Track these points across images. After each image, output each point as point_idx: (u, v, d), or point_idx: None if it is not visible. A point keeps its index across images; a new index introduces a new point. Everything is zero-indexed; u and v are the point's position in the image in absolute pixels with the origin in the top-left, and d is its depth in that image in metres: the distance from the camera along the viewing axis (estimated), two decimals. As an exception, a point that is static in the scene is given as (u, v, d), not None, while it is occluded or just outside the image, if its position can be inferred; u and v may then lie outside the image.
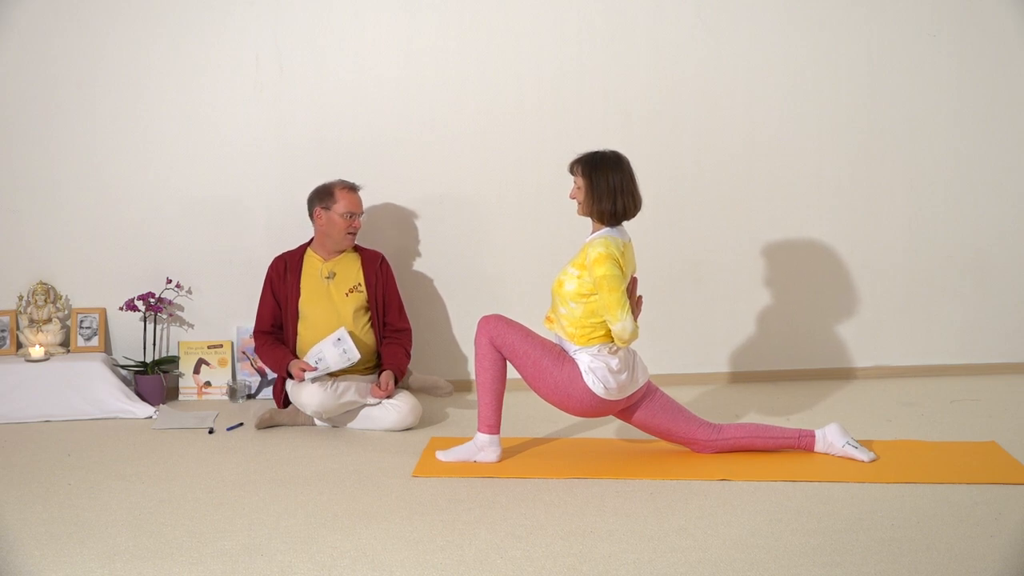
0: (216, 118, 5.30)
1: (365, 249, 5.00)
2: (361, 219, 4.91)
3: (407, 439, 4.58)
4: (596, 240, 4.05)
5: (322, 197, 4.86)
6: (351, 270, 4.92)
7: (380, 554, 3.33)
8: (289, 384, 4.80)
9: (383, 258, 4.99)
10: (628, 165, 4.09)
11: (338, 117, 5.31)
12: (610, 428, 4.66)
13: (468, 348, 5.46)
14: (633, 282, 4.14)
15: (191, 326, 5.41)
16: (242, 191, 5.34)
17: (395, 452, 4.38)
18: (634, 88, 5.35)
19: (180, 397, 5.34)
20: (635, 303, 4.14)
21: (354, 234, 4.89)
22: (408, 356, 4.91)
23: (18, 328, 5.28)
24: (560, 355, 4.11)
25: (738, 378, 5.52)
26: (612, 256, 3.98)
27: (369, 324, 4.89)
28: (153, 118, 5.29)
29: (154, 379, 5.20)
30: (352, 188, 4.88)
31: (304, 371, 4.63)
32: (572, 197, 4.14)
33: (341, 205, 4.82)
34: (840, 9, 5.35)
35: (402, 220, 5.39)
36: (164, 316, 5.37)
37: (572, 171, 4.14)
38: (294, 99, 5.30)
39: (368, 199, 5.28)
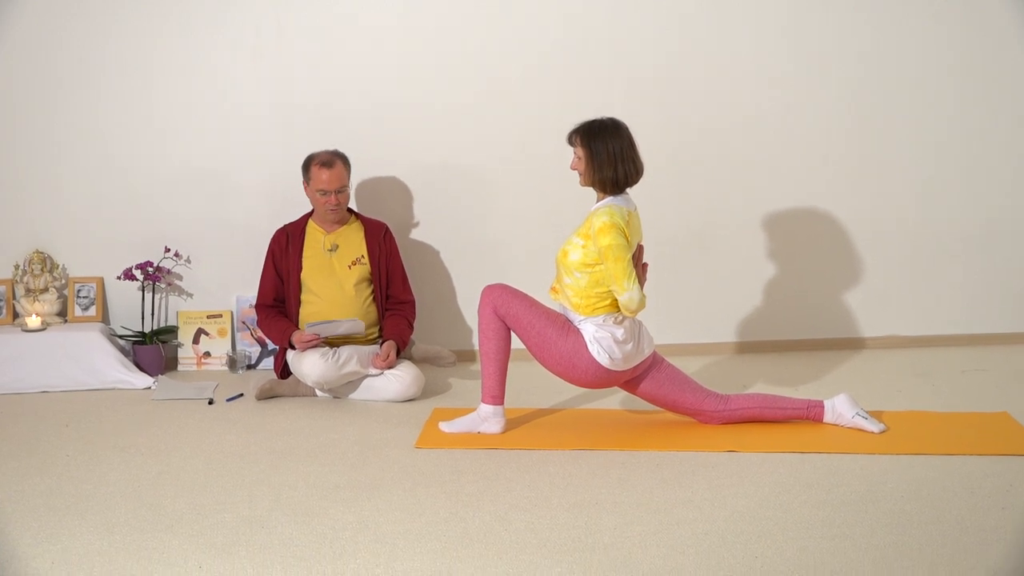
0: (215, 86, 5.23)
1: (368, 219, 4.93)
2: (342, 194, 4.72)
3: (409, 410, 4.54)
4: (600, 209, 3.99)
5: (305, 170, 4.78)
6: (354, 242, 4.85)
7: (382, 526, 3.30)
8: (290, 355, 4.75)
9: (387, 229, 4.92)
10: (627, 131, 4.03)
11: (339, 85, 5.24)
12: (615, 399, 4.62)
13: (472, 318, 5.41)
14: (639, 250, 4.08)
15: (190, 296, 5.36)
16: (241, 159, 5.28)
17: (397, 423, 4.34)
18: (640, 56, 5.27)
19: (179, 367, 5.31)
20: (640, 270, 4.09)
21: (336, 209, 4.75)
22: (411, 327, 4.85)
23: (14, 297, 5.24)
24: (565, 325, 4.05)
25: (745, 348, 5.48)
26: (617, 225, 3.93)
27: (372, 296, 4.83)
28: (151, 86, 5.23)
29: (153, 349, 5.16)
30: (327, 164, 4.70)
31: (307, 341, 4.60)
32: (573, 168, 4.09)
33: (315, 182, 4.73)
34: (850, -27, 5.29)
35: (405, 189, 5.33)
36: (163, 285, 5.32)
37: (571, 142, 4.08)
38: (294, 67, 5.23)
39: (371, 168, 5.23)
